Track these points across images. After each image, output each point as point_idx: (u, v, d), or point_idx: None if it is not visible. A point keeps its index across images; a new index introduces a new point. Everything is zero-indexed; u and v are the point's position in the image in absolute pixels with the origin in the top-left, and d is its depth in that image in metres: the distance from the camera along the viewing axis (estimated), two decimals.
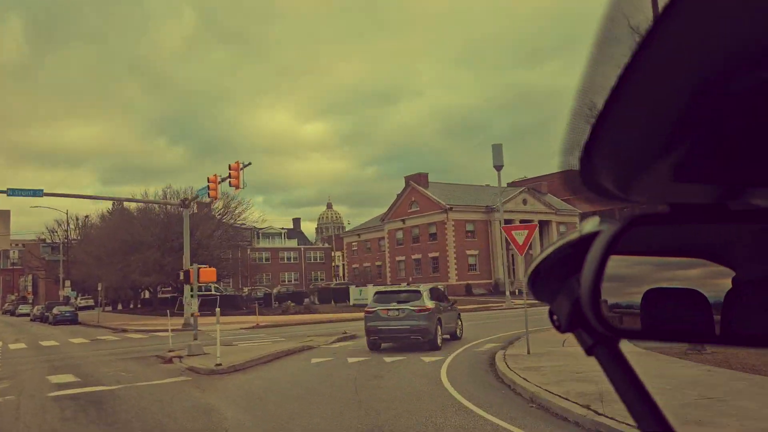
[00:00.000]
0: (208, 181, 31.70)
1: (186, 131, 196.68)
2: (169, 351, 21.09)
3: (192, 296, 21.79)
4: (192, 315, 21.55)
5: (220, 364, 17.15)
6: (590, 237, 0.89)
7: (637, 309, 0.90)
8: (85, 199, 46.42)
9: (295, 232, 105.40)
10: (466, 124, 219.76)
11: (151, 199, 53.34)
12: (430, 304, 19.64)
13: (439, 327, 19.93)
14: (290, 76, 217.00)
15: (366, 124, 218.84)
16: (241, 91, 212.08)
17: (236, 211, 61.18)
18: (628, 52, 0.64)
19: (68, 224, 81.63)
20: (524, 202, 71.25)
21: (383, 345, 20.44)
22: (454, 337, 22.53)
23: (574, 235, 0.94)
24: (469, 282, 65.97)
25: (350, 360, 18.06)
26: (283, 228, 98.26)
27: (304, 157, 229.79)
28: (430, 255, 69.67)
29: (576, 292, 0.92)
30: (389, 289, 21.61)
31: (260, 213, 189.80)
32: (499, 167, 56.92)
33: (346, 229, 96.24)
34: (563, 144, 0.80)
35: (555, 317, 1.00)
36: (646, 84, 0.66)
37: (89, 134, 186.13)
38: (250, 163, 30.53)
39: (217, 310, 18.77)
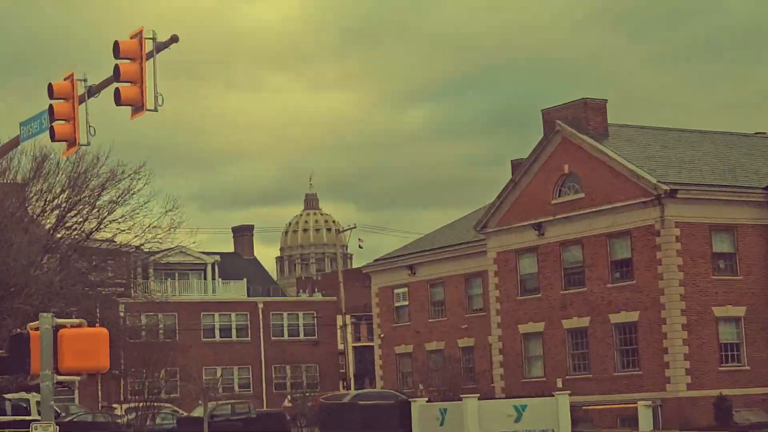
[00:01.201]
0: (52, 97, 15.66)
1: None
2: None
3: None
4: None
5: None
6: None
7: None
8: None
9: (239, 261, 64.97)
10: (664, 2, 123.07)
11: None
12: None
13: None
14: None
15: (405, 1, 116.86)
16: None
17: (102, 201, 29.44)
18: None
19: None
20: None
21: None
22: None
23: None
24: (724, 392, 33.80)
25: None
26: (209, 253, 56.29)
27: (254, 82, 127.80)
28: (615, 319, 36.83)
29: None
30: None
31: (163, 210, 44.06)
32: None
33: (371, 259, 52.69)
34: None
35: None
36: None
37: None
38: (176, 38, 14.69)
39: None
